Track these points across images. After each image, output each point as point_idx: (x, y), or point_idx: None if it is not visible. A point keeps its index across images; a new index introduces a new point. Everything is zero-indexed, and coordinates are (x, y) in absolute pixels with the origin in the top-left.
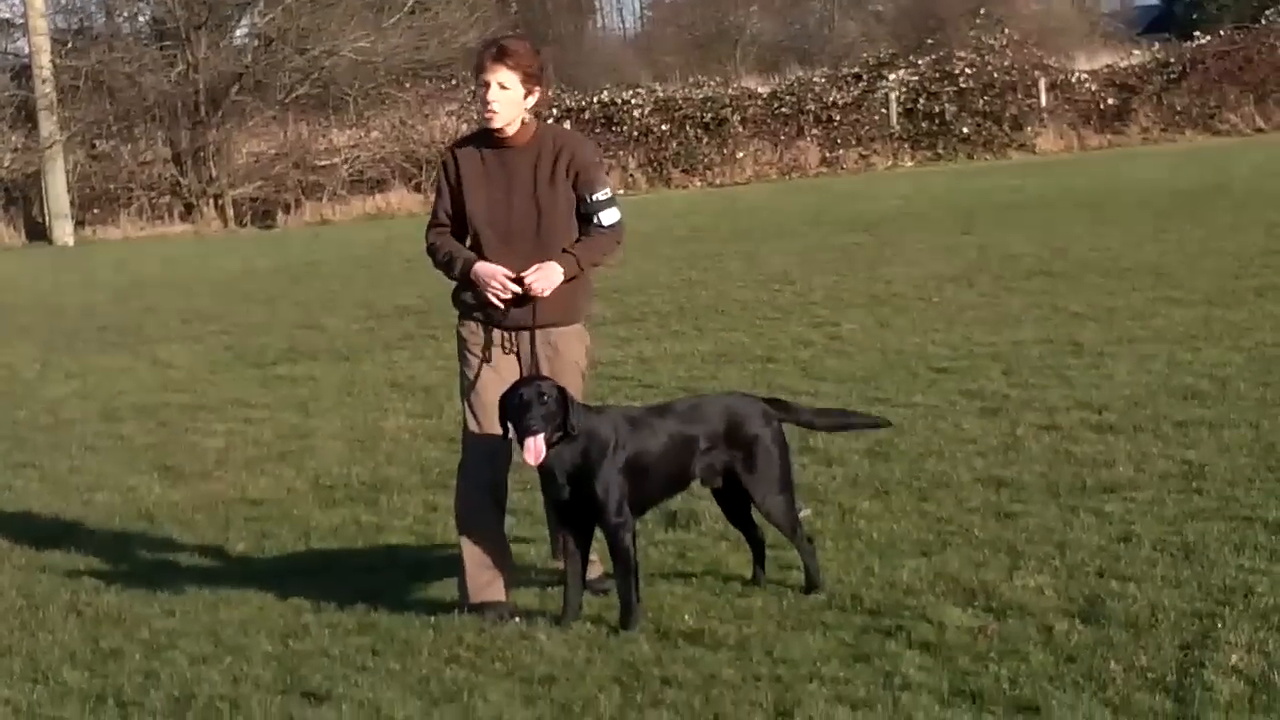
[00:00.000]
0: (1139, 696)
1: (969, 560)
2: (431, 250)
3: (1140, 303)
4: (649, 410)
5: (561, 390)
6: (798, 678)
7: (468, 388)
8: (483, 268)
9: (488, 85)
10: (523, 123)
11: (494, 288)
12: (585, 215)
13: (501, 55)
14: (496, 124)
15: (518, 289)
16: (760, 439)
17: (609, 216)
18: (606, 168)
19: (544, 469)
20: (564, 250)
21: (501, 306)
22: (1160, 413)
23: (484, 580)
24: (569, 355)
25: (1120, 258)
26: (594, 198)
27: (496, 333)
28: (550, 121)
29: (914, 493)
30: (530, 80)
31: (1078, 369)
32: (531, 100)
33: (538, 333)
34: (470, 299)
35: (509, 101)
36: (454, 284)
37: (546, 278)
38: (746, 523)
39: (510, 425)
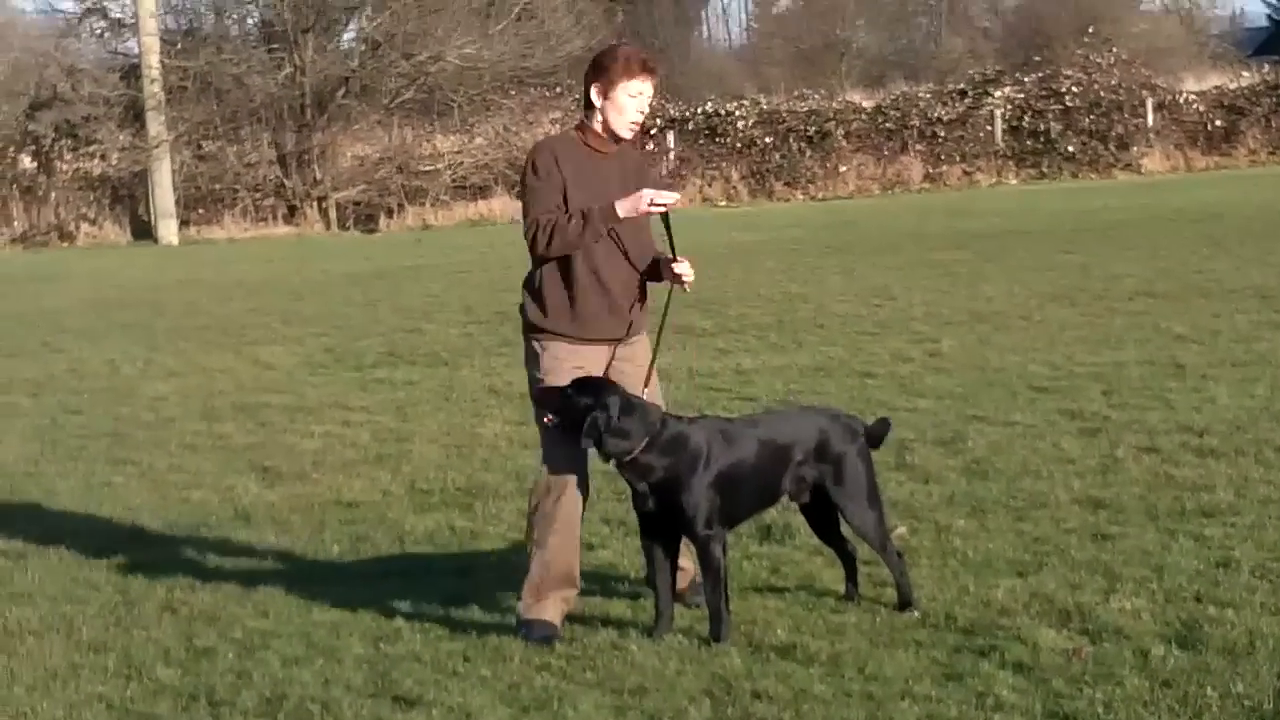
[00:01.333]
0: None
1: (1065, 581)
2: (550, 225)
3: (1244, 326)
4: (742, 422)
5: (626, 400)
6: (889, 695)
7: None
8: (628, 197)
9: (639, 95)
10: None
11: (660, 200)
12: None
13: (652, 68)
14: (631, 136)
15: (670, 200)
16: (848, 454)
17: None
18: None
19: (633, 479)
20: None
21: (665, 209)
22: (1262, 437)
23: (539, 597)
24: (644, 361)
25: (1225, 280)
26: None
27: (586, 348)
28: (653, 131)
29: (1011, 512)
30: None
31: (1179, 391)
32: None
33: (620, 345)
34: (558, 308)
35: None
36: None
37: (691, 271)
38: (836, 538)
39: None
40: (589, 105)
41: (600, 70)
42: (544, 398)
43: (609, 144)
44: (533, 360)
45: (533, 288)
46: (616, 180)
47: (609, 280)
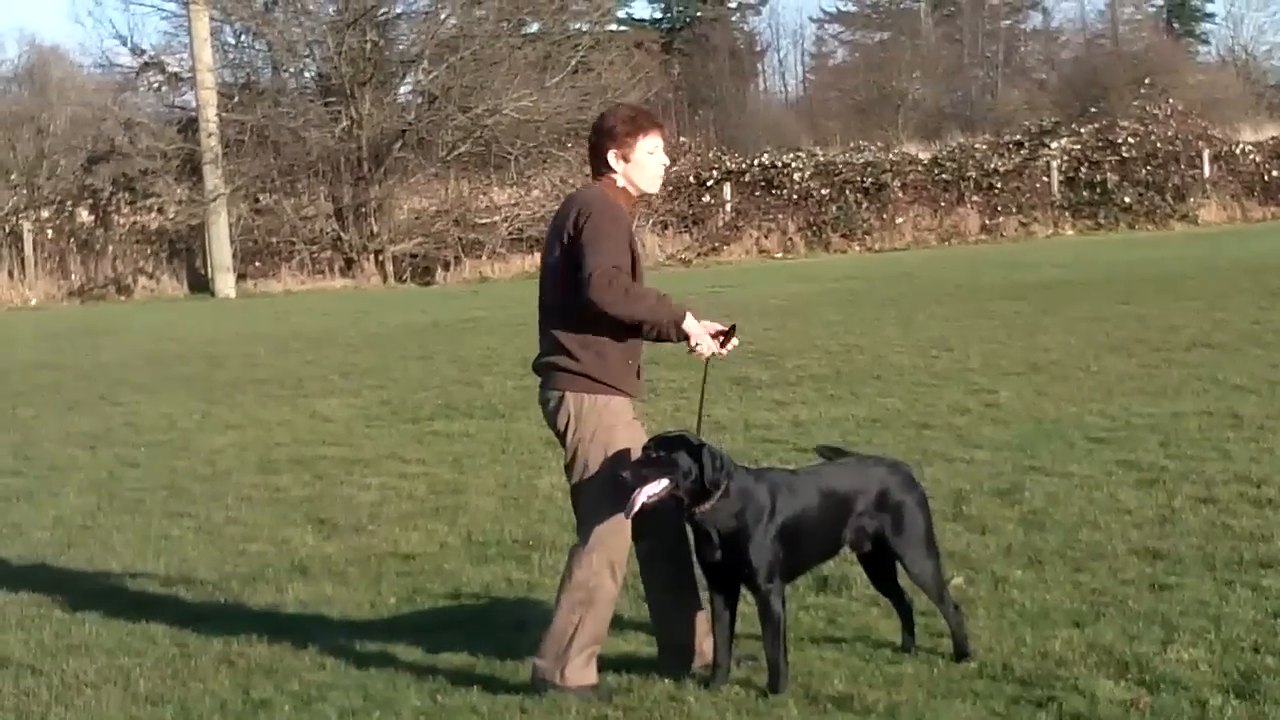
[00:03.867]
0: None
1: (1122, 632)
2: (632, 292)
3: None
4: (804, 473)
5: (693, 444)
6: None
7: (620, 460)
8: (695, 323)
9: (657, 149)
10: None
11: (706, 343)
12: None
13: (660, 123)
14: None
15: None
16: (906, 503)
17: None
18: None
19: (699, 529)
20: None
21: (706, 355)
22: None
23: (582, 661)
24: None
25: None
26: None
27: (633, 405)
28: (710, 183)
29: (1068, 563)
30: None
31: (1237, 442)
32: None
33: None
34: (620, 364)
35: None
36: (600, 353)
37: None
38: (893, 588)
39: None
40: (603, 172)
41: (610, 135)
42: (635, 462)
43: (635, 205)
44: (588, 417)
45: (587, 339)
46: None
47: (637, 339)
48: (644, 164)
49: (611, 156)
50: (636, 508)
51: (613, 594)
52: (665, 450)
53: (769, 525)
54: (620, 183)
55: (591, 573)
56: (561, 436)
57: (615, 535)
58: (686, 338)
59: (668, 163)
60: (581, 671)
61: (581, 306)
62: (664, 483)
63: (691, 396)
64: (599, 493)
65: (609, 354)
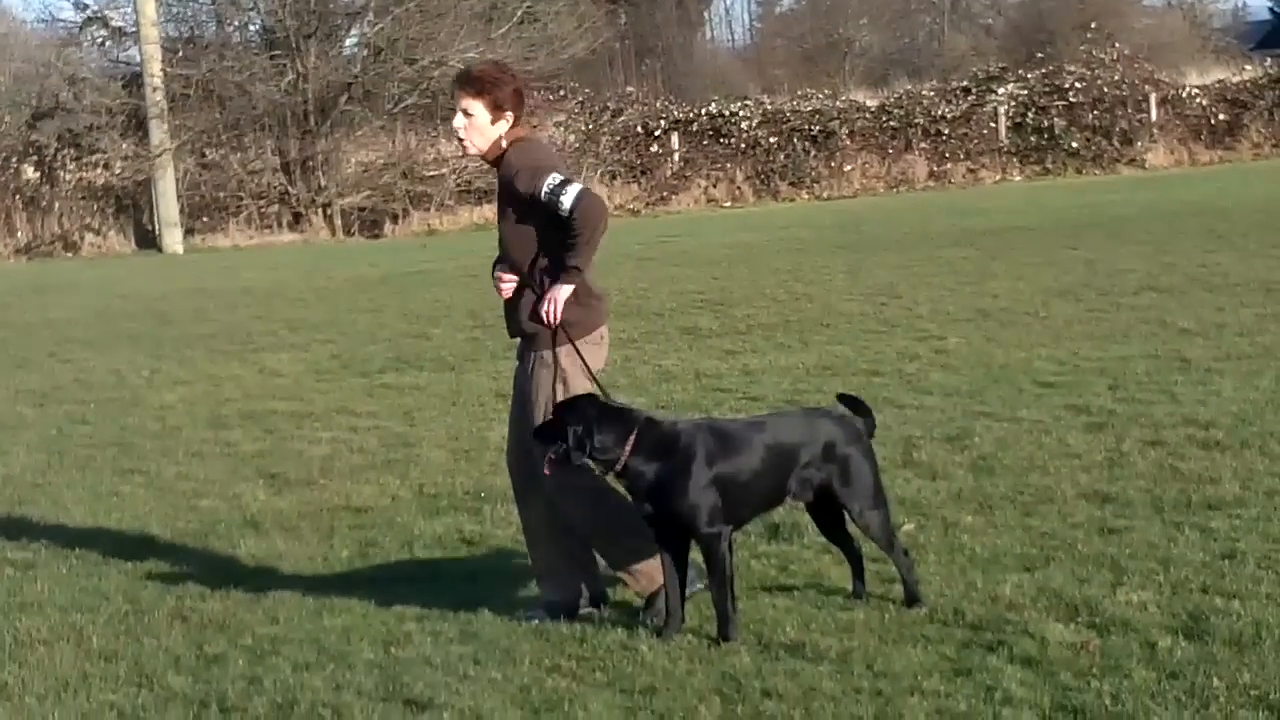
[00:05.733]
0: (1242, 714)
1: (1072, 576)
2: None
3: (1249, 319)
4: (745, 425)
5: (584, 408)
6: (899, 691)
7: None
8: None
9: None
10: (501, 148)
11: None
12: (555, 212)
13: (464, 82)
14: (470, 152)
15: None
16: (853, 455)
17: (568, 198)
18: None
19: (629, 484)
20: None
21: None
22: (1267, 430)
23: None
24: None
25: (1229, 273)
26: (545, 190)
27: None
28: (658, 133)
29: (1018, 508)
30: (498, 109)
31: (1185, 385)
32: (501, 127)
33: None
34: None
35: (475, 129)
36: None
37: (554, 309)
38: (842, 537)
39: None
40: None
41: (519, 93)
42: (542, 425)
43: (498, 161)
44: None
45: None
46: (503, 195)
47: None
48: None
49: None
50: (547, 470)
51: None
52: (567, 416)
53: (699, 474)
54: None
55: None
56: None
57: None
58: None
59: (457, 128)
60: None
61: (581, 237)
62: (563, 446)
63: (642, 346)
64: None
65: (595, 290)
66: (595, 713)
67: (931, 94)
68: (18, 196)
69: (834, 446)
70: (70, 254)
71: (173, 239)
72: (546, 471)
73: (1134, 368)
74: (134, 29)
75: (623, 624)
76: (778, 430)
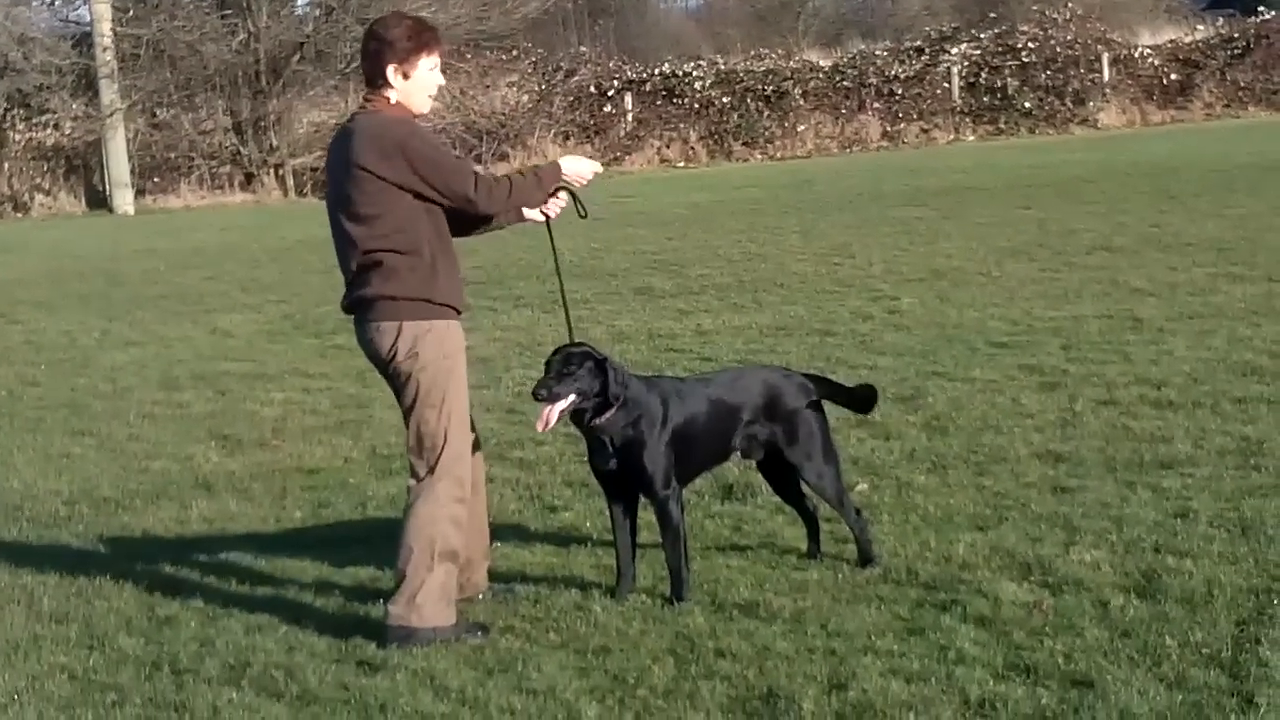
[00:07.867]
0: (1194, 672)
1: (1025, 535)
2: (505, 181)
3: (1201, 278)
4: (693, 381)
5: (597, 359)
6: (852, 651)
7: (459, 387)
8: (573, 159)
9: (436, 68)
10: None
11: (580, 171)
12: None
13: (440, 39)
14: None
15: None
16: (799, 412)
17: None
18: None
19: (594, 439)
20: None
21: (554, 216)
22: (1219, 389)
23: (443, 599)
24: None
25: (1182, 233)
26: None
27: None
28: (611, 93)
29: (971, 467)
30: None
31: (1137, 344)
32: None
33: None
34: (451, 282)
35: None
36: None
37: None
38: (796, 497)
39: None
40: (379, 85)
41: (392, 48)
42: (544, 378)
43: None
44: (429, 344)
45: (416, 259)
46: None
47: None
48: (423, 82)
49: (391, 71)
50: (553, 422)
51: (464, 518)
52: (572, 365)
53: (662, 433)
54: (395, 99)
55: (440, 505)
56: (388, 365)
57: (460, 461)
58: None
59: (443, 83)
60: (443, 611)
61: (401, 229)
62: (572, 397)
63: (596, 306)
64: (445, 421)
65: (442, 271)
66: (548, 673)
67: (885, 54)
68: None
69: (777, 403)
70: (20, 215)
71: (124, 199)
72: (540, 429)
73: (1087, 327)
74: None
75: (576, 585)
76: (720, 387)
